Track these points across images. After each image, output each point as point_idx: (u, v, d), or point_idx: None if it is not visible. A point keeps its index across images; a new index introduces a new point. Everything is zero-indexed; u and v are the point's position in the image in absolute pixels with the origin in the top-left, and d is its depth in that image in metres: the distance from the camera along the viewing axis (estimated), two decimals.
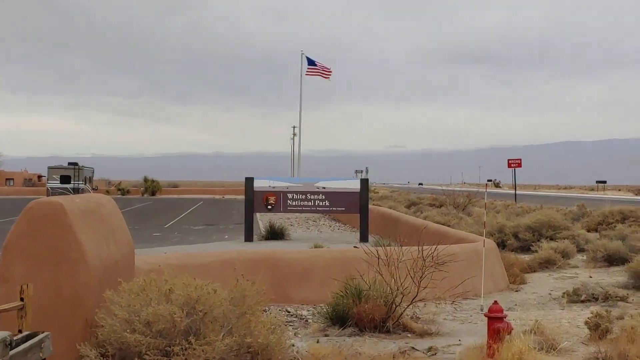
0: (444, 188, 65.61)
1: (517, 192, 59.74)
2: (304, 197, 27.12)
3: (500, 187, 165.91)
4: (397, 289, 10.92)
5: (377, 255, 11.61)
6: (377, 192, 79.58)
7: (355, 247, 18.22)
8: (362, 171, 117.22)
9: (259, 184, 27.15)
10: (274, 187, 27.18)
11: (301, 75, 57.73)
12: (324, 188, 27.22)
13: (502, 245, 23.18)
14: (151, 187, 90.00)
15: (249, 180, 27.23)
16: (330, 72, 56.94)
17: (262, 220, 35.21)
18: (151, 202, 70.27)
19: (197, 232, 32.69)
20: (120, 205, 9.98)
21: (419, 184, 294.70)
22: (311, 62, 56.81)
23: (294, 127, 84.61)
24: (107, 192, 71.15)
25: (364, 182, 28.28)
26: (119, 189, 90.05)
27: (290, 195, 27.08)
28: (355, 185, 27.69)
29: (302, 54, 57.41)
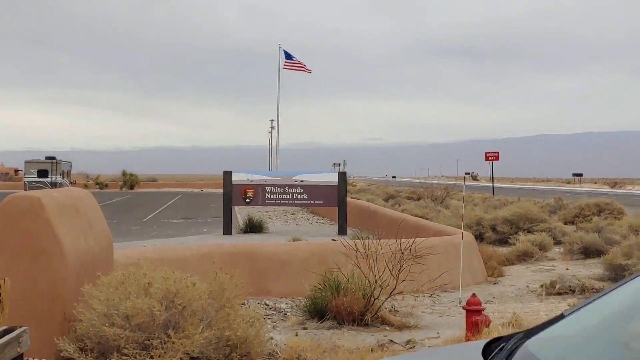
0: (422, 181, 65.79)
1: (494, 185, 59.94)
2: (282, 190, 27.11)
3: (477, 180, 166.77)
4: (376, 282, 10.94)
5: (355, 248, 11.63)
6: (355, 185, 79.66)
7: (333, 240, 18.25)
8: (339, 164, 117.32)
9: (237, 178, 27.11)
10: (252, 181, 27.15)
11: (279, 69, 57.65)
12: (302, 181, 27.22)
13: (480, 238, 23.30)
14: (129, 181, 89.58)
15: (227, 174, 27.18)
16: (309, 71, 56.97)
17: (240, 214, 35.14)
18: (130, 195, 69.99)
19: (175, 225, 32.61)
20: (98, 199, 9.94)
21: (392, 176, 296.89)
22: (289, 56, 56.74)
23: (272, 120, 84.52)
24: (85, 186, 70.75)
25: (342, 175, 28.28)
26: (97, 183, 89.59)
27: (268, 189, 27.06)
28: (333, 178, 27.70)
29: (280, 47, 57.29)
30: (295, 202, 27.98)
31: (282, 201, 27.70)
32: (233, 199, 27.00)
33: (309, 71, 57.00)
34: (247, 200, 27.13)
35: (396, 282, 11.09)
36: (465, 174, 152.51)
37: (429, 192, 45.06)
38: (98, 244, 8.62)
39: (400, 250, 11.39)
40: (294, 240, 20.74)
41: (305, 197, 27.26)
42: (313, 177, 27.57)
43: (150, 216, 39.29)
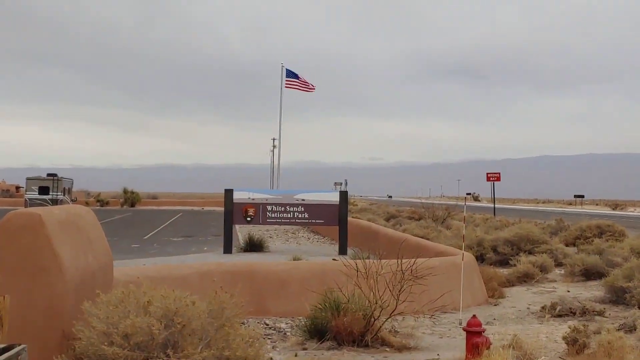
0: (423, 201, 65.78)
1: (495, 205, 59.96)
2: (283, 209, 27.09)
3: (479, 200, 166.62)
4: (376, 302, 10.90)
5: (356, 268, 11.59)
6: (356, 205, 79.60)
7: (334, 259, 18.22)
8: (341, 183, 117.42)
9: (238, 196, 27.11)
10: (253, 199, 27.14)
11: (281, 87, 57.67)
12: (303, 200, 27.21)
13: (480, 258, 23.24)
14: (130, 199, 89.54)
15: (229, 192, 27.18)
16: (314, 88, 56.94)
17: (241, 232, 35.12)
18: (130, 213, 69.95)
19: (176, 243, 32.55)
20: (99, 217, 9.92)
21: (389, 196, 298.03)
22: (291, 75, 56.77)
23: (273, 139, 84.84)
24: (86, 204, 70.71)
25: (343, 195, 28.29)
26: (98, 200, 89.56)
27: (269, 207, 27.05)
28: (334, 197, 27.69)
29: (282, 66, 57.36)
30: (296, 221, 27.96)
31: (283, 220, 27.66)
32: (234, 218, 27.00)
33: (312, 90, 57.01)
34: (248, 218, 27.11)
35: (396, 303, 11.04)
36: (467, 194, 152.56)
37: (430, 212, 45.01)
38: (98, 261, 8.60)
39: (401, 270, 11.36)
40: (294, 259, 20.70)
41: (306, 216, 27.25)
42: (314, 196, 27.56)
43: (151, 234, 39.24)
